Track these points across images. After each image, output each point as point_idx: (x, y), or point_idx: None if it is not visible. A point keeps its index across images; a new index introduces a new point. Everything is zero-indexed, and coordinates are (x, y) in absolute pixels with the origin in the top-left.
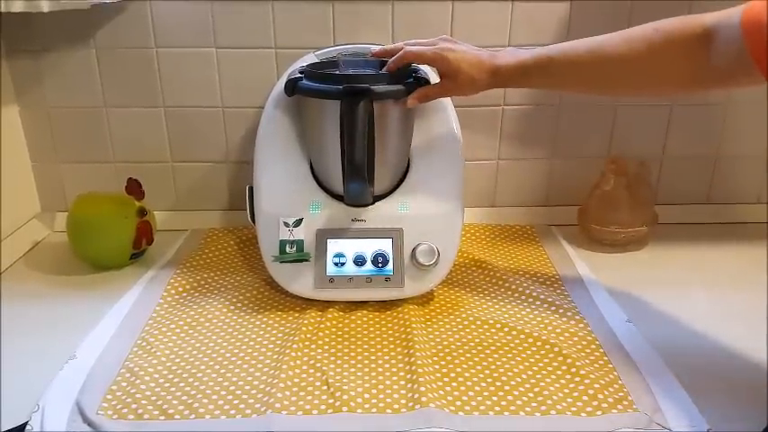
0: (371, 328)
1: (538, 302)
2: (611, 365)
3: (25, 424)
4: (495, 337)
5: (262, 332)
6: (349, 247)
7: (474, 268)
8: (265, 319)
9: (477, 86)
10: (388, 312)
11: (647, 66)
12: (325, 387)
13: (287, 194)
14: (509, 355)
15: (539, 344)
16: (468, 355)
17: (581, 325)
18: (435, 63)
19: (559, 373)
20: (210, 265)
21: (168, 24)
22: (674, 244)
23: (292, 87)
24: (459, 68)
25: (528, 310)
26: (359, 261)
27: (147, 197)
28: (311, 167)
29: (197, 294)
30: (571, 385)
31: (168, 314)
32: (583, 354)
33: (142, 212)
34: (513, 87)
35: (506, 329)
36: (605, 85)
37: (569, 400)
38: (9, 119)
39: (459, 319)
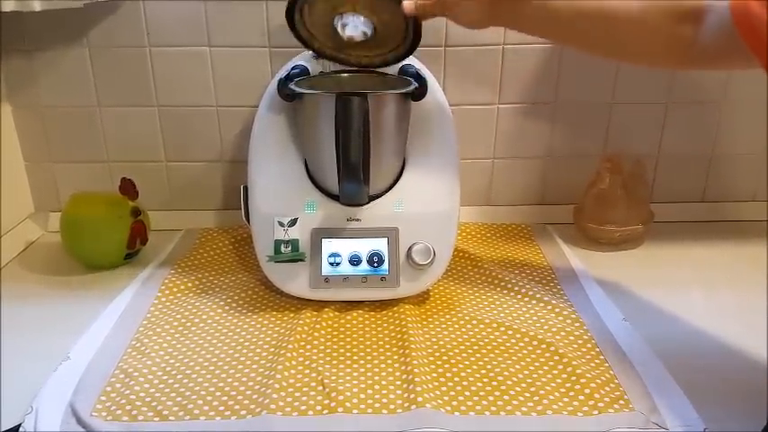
0: (367, 328)
1: (534, 301)
2: (607, 364)
3: (18, 426)
4: (492, 337)
5: (257, 332)
6: (344, 247)
7: (470, 267)
8: (260, 320)
9: (473, 11)
10: (384, 312)
11: (631, 32)
12: (321, 387)
13: (282, 194)
14: (505, 355)
15: (535, 343)
16: (465, 355)
17: (577, 324)
18: None
19: (556, 372)
20: (205, 265)
21: (162, 23)
22: (669, 242)
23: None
24: None
25: (524, 309)
26: (354, 261)
27: (141, 197)
28: (306, 167)
29: (191, 295)
30: (567, 385)
31: (163, 314)
32: (579, 353)
33: (136, 212)
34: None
35: (502, 329)
36: (596, 43)
37: (566, 399)
38: (2, 119)
39: (455, 319)
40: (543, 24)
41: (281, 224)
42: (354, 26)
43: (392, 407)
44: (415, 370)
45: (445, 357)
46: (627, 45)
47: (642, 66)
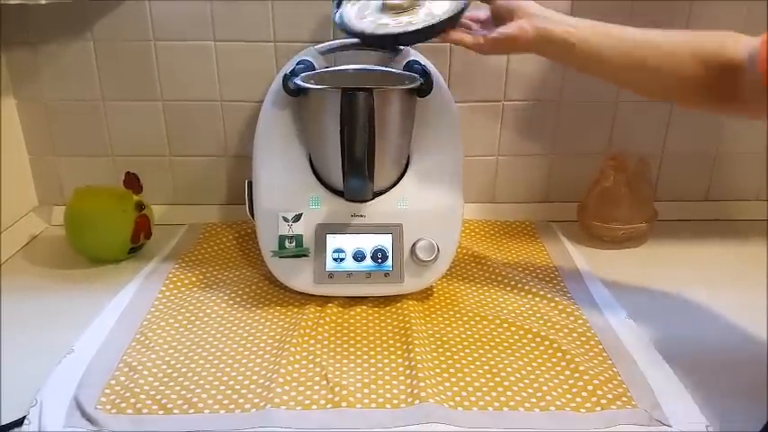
0: (371, 324)
1: (537, 298)
2: (610, 361)
3: (23, 418)
4: (495, 333)
5: (261, 327)
6: (348, 243)
7: (473, 264)
8: (264, 314)
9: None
10: (388, 308)
11: (668, 81)
12: (325, 382)
13: (286, 189)
14: (508, 351)
15: (538, 340)
16: (468, 351)
17: (580, 321)
18: None
19: (559, 368)
20: (209, 259)
21: (166, 17)
22: (673, 240)
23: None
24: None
25: (527, 306)
26: (358, 256)
27: (145, 191)
28: (311, 162)
29: (196, 289)
30: (570, 381)
31: (167, 309)
32: (582, 350)
33: (140, 206)
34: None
35: (506, 325)
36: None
37: (569, 396)
38: (6, 112)
39: (458, 315)
40: (579, 59)
41: (286, 219)
42: None
43: (395, 402)
44: (419, 365)
45: (449, 353)
46: (665, 90)
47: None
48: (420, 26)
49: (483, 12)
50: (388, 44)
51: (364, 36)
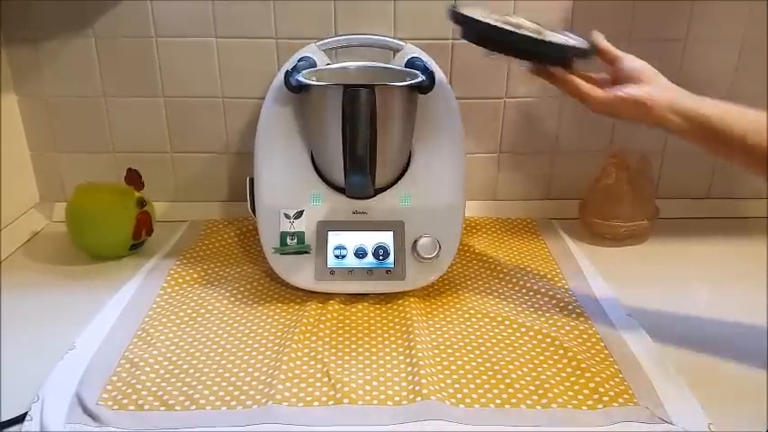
0: (372, 321)
1: (539, 296)
2: (611, 359)
3: (25, 414)
4: (496, 331)
5: (262, 324)
6: (350, 240)
7: (475, 262)
8: (266, 311)
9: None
10: (389, 305)
11: None
12: (326, 379)
13: (288, 186)
14: (510, 349)
15: (539, 337)
16: (469, 348)
17: (582, 319)
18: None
19: (560, 366)
20: (211, 256)
21: (168, 14)
22: (674, 238)
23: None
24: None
25: (529, 303)
26: (360, 253)
27: (146, 188)
28: (312, 159)
29: (197, 285)
30: (572, 379)
31: (168, 305)
32: (584, 347)
33: (142, 203)
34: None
35: (507, 323)
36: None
37: (570, 393)
38: (8, 108)
39: (460, 313)
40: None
41: (287, 216)
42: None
43: (397, 399)
44: (420, 362)
45: (450, 350)
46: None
47: None
48: (531, 35)
49: (601, 75)
50: (490, 38)
51: (471, 21)
